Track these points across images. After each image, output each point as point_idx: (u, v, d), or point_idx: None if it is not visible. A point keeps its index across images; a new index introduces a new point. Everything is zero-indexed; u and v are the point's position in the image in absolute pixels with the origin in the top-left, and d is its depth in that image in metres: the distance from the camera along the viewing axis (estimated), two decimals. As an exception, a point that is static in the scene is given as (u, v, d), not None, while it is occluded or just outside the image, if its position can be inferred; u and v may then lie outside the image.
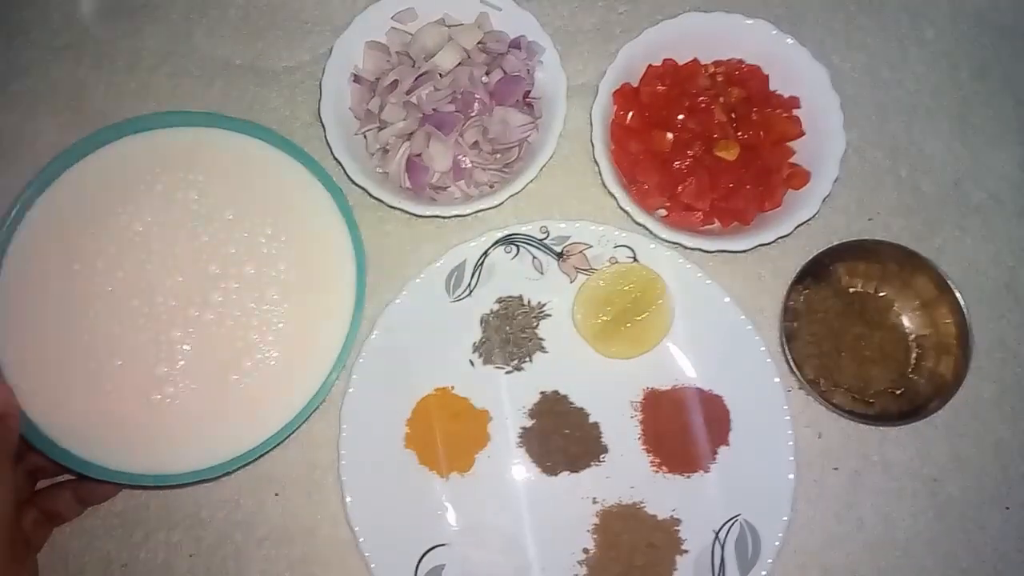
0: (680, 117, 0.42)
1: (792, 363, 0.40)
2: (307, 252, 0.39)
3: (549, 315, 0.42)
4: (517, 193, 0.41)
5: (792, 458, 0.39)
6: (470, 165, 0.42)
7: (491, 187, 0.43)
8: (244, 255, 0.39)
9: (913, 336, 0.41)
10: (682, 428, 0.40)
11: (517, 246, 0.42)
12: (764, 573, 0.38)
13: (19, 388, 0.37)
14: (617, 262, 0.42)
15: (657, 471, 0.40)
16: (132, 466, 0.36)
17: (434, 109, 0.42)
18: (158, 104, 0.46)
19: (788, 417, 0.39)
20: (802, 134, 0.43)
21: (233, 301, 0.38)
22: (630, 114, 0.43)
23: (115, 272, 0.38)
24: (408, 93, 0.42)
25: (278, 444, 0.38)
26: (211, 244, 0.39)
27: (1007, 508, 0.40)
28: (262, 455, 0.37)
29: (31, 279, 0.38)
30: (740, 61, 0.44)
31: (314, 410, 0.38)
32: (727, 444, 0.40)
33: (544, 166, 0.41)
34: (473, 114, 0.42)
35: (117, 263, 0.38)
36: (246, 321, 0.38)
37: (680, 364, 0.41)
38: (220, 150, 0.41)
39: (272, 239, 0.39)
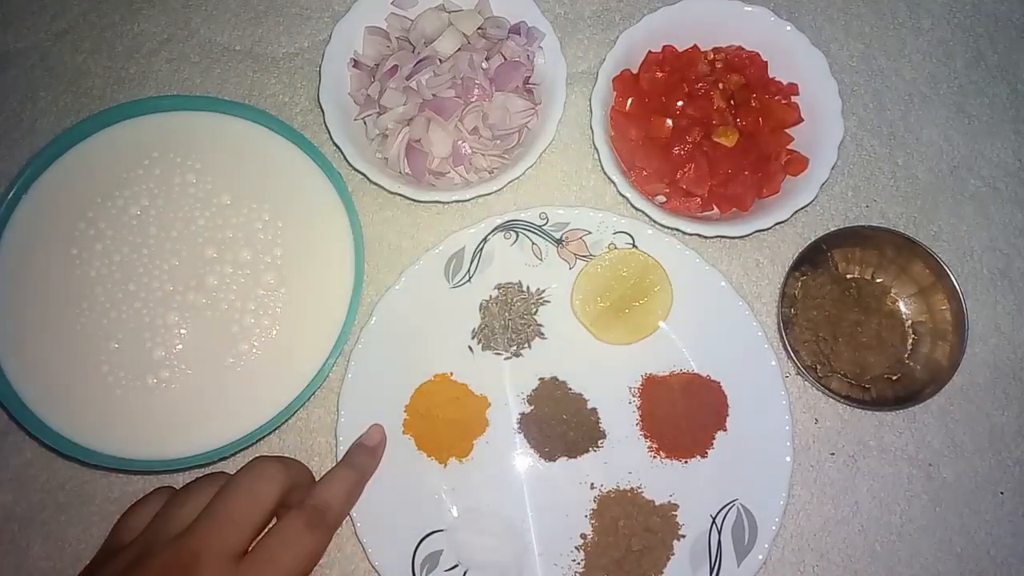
0: (679, 103, 0.40)
1: (789, 349, 0.38)
2: (305, 237, 0.37)
3: (548, 301, 0.40)
4: (516, 179, 0.39)
5: (789, 443, 0.37)
6: (470, 151, 0.40)
7: (490, 173, 0.41)
8: (241, 240, 0.37)
9: (909, 322, 0.40)
10: (680, 414, 0.38)
11: (516, 232, 0.40)
12: (760, 557, 0.36)
13: (14, 372, 0.35)
14: (616, 248, 0.40)
15: (655, 456, 0.38)
16: (128, 451, 0.34)
17: (434, 94, 0.40)
18: (157, 89, 0.44)
19: (785, 402, 0.37)
20: (800, 120, 0.41)
21: (229, 286, 0.36)
22: (629, 100, 0.41)
23: (112, 256, 0.36)
24: (408, 78, 0.40)
25: (275, 429, 0.36)
26: (208, 228, 0.37)
27: (1001, 493, 0.39)
28: (259, 440, 0.36)
29: (27, 262, 0.36)
30: (739, 48, 0.42)
31: (311, 395, 0.36)
32: (724, 429, 0.38)
33: (543, 152, 0.40)
34: (473, 100, 0.40)
35: (114, 247, 0.36)
36: (242, 306, 0.36)
37: (678, 350, 0.39)
38: (218, 135, 0.39)
39: (269, 224, 0.37)
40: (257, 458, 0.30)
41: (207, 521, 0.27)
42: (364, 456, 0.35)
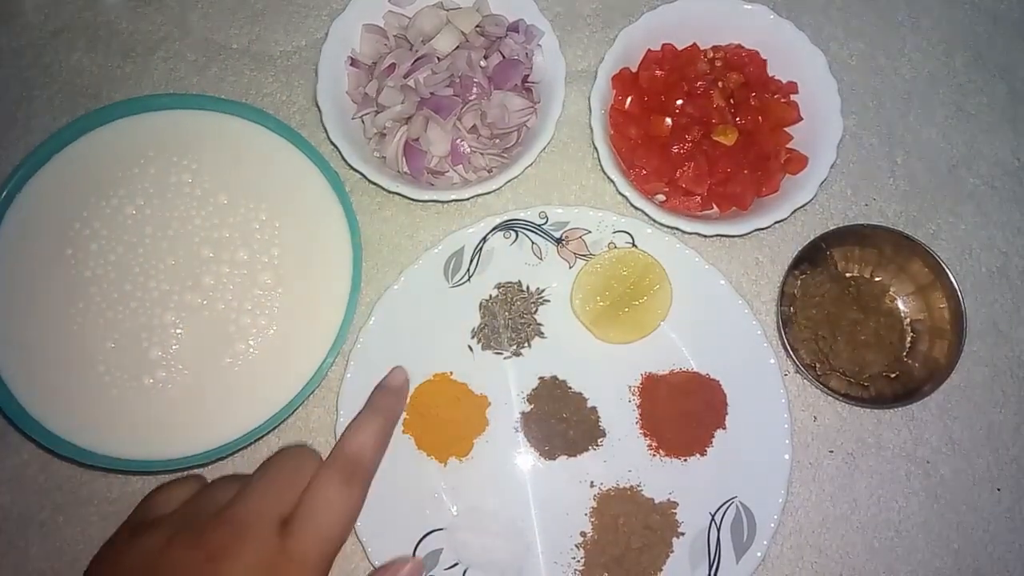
0: (679, 102, 0.40)
1: (788, 347, 0.38)
2: (302, 237, 0.37)
3: (548, 300, 0.40)
4: (516, 178, 0.39)
5: (788, 441, 0.37)
6: (468, 150, 0.40)
7: (489, 172, 0.40)
8: (238, 239, 0.36)
9: (908, 320, 0.40)
10: (679, 412, 0.38)
11: (516, 231, 0.40)
12: (759, 555, 0.36)
13: (10, 373, 0.34)
14: (616, 247, 0.40)
15: (654, 455, 0.38)
16: (125, 451, 0.34)
17: (432, 93, 0.39)
18: (153, 88, 0.43)
19: (784, 401, 0.37)
20: (800, 119, 0.40)
21: (226, 285, 0.35)
22: (629, 99, 0.40)
23: (107, 256, 0.36)
24: (405, 77, 0.40)
25: (273, 429, 0.35)
26: (204, 228, 0.36)
27: (998, 489, 0.38)
28: (257, 440, 0.35)
29: (22, 262, 0.35)
30: (739, 46, 0.41)
31: (309, 395, 0.35)
32: (724, 428, 0.38)
33: (543, 151, 0.39)
34: (471, 98, 0.39)
35: (109, 247, 0.36)
36: (239, 305, 0.35)
37: (678, 348, 0.39)
38: (214, 133, 0.38)
39: (267, 224, 0.37)
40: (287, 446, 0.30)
41: (250, 491, 0.26)
42: (390, 399, 0.33)
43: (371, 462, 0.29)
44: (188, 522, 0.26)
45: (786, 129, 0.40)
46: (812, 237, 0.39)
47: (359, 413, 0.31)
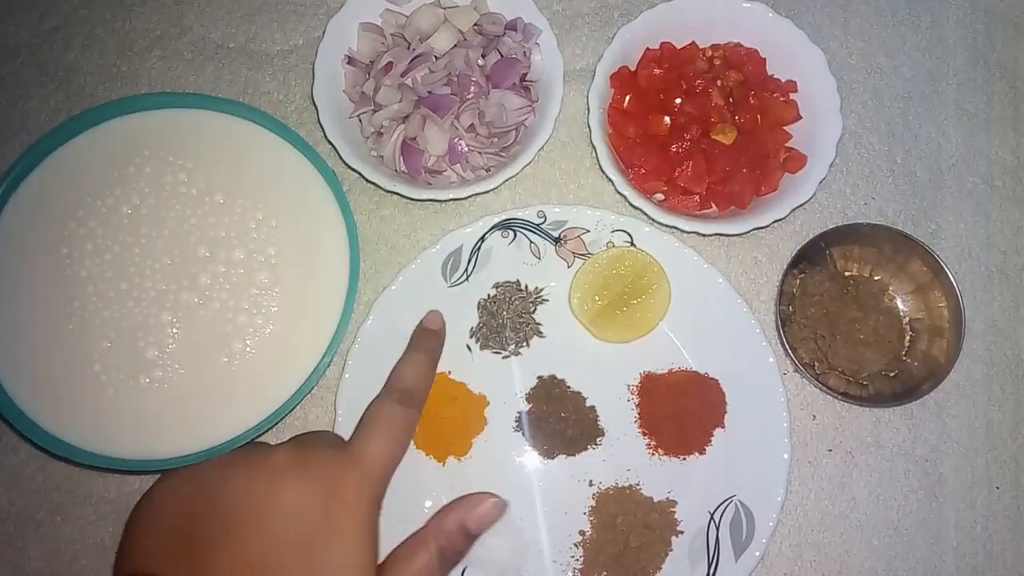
0: (677, 101, 0.39)
1: (787, 346, 0.37)
2: (299, 236, 0.36)
3: (546, 300, 0.40)
4: (514, 177, 0.38)
5: (787, 440, 0.36)
6: (466, 149, 0.39)
7: (487, 171, 0.40)
8: (234, 239, 0.36)
9: (907, 319, 0.39)
10: (678, 411, 0.38)
11: (514, 231, 0.40)
12: (758, 553, 0.36)
13: (5, 373, 0.34)
14: (614, 246, 0.39)
15: (653, 454, 0.38)
16: (121, 451, 0.33)
17: (429, 92, 0.39)
18: (150, 87, 0.43)
19: (783, 399, 0.37)
20: (799, 118, 0.40)
21: (222, 285, 0.35)
22: (627, 98, 0.40)
23: (103, 255, 0.35)
24: (403, 75, 0.39)
25: (270, 428, 0.35)
26: (200, 227, 0.36)
27: (997, 488, 0.38)
28: (254, 439, 0.35)
29: (17, 262, 0.35)
30: (738, 45, 0.41)
31: (306, 395, 0.35)
32: (723, 427, 0.38)
33: (541, 150, 0.39)
34: (469, 97, 0.39)
35: (105, 246, 0.35)
36: (235, 304, 0.35)
37: (676, 348, 0.39)
38: (210, 132, 0.37)
39: (263, 223, 0.36)
40: None
41: (303, 435, 0.29)
42: (431, 339, 0.36)
43: (422, 391, 0.33)
44: (244, 453, 0.28)
45: (785, 128, 0.40)
46: (811, 236, 0.39)
47: (404, 353, 0.35)
